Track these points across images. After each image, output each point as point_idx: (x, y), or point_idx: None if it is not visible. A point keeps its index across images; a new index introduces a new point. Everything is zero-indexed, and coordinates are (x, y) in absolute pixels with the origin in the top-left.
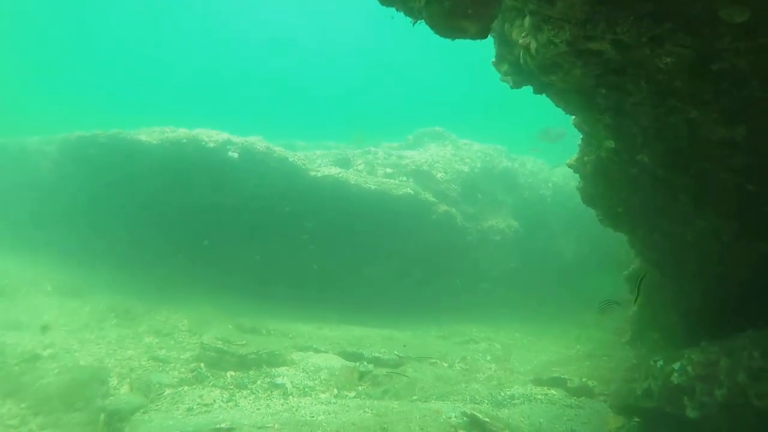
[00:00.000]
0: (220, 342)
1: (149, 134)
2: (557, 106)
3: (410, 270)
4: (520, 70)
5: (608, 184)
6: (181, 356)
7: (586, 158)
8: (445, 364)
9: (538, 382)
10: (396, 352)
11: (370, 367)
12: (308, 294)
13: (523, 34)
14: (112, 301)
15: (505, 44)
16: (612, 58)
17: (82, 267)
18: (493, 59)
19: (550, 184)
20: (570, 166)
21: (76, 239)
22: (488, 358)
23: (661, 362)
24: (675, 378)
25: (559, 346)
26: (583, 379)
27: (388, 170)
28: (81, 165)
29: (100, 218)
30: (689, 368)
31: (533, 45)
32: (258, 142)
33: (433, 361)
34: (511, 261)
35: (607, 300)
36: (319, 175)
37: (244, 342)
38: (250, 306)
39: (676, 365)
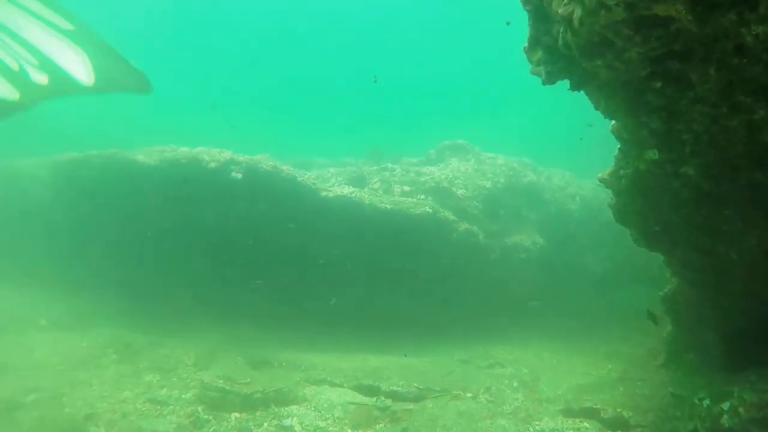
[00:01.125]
0: (222, 381)
1: (148, 154)
2: (596, 108)
3: (430, 291)
4: (557, 56)
5: (646, 201)
6: (183, 396)
7: (621, 171)
8: (469, 395)
9: (569, 413)
10: (415, 384)
11: (388, 402)
12: (322, 319)
13: (565, 1)
14: (113, 335)
15: (542, 19)
16: (682, 30)
17: (81, 298)
18: (525, 44)
19: (577, 199)
20: (602, 181)
21: (74, 269)
22: (515, 384)
23: (707, 401)
24: (725, 421)
25: (590, 365)
26: (618, 410)
27: (406, 188)
28: (75, 189)
29: (99, 246)
30: (741, 410)
31: (577, 13)
32: (264, 160)
33: (455, 393)
34: (537, 278)
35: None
36: (330, 195)
37: (248, 380)
38: (260, 334)
39: (725, 405)
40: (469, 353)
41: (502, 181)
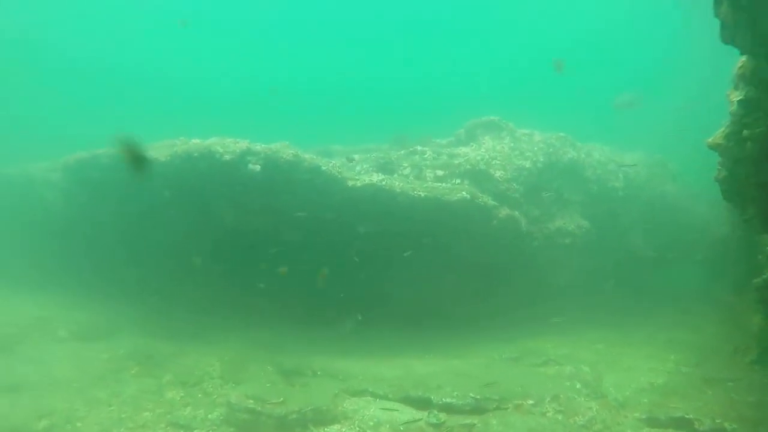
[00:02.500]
0: (252, 400)
1: (157, 149)
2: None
3: (469, 284)
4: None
5: None
6: (209, 416)
7: (746, 132)
8: (530, 402)
9: (655, 423)
10: (471, 394)
11: (443, 417)
12: (351, 318)
13: None
14: (134, 345)
15: None
16: None
17: (100, 305)
18: None
19: (620, 175)
20: (713, 146)
21: (91, 274)
22: (578, 386)
23: None
24: None
25: (652, 358)
26: (717, 420)
27: (439, 172)
28: (86, 191)
29: (116, 250)
30: None
31: None
32: (284, 149)
33: (517, 402)
34: (582, 264)
35: None
36: (358, 184)
37: (281, 398)
38: (290, 339)
39: None
40: (515, 349)
41: (542, 159)
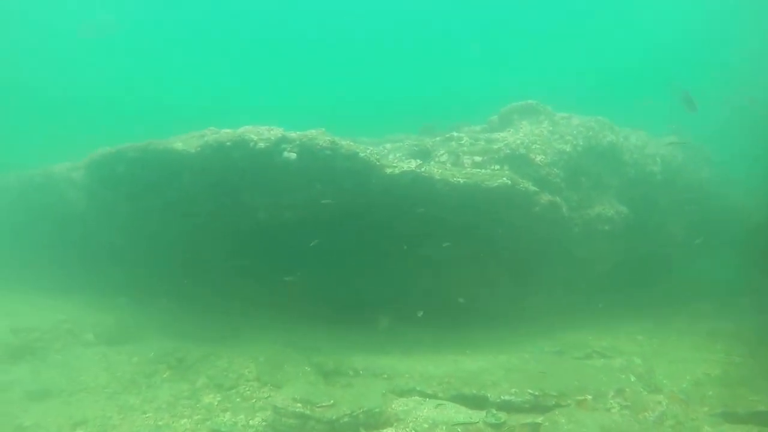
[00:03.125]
0: (299, 404)
1: (186, 141)
2: None
3: (505, 274)
4: None
5: None
6: (251, 422)
7: None
8: (589, 398)
9: (734, 418)
10: (529, 390)
11: (502, 416)
12: (388, 314)
13: None
14: (164, 348)
15: None
16: None
17: (130, 307)
18: None
19: (658, 159)
20: None
21: (119, 275)
22: (632, 379)
23: None
24: None
25: (698, 349)
26: None
27: (477, 158)
28: (112, 188)
29: (142, 249)
30: None
31: None
32: (320, 135)
33: (579, 398)
34: (620, 252)
35: None
36: (396, 171)
37: (331, 401)
38: (324, 336)
39: None
40: (556, 342)
41: (581, 143)
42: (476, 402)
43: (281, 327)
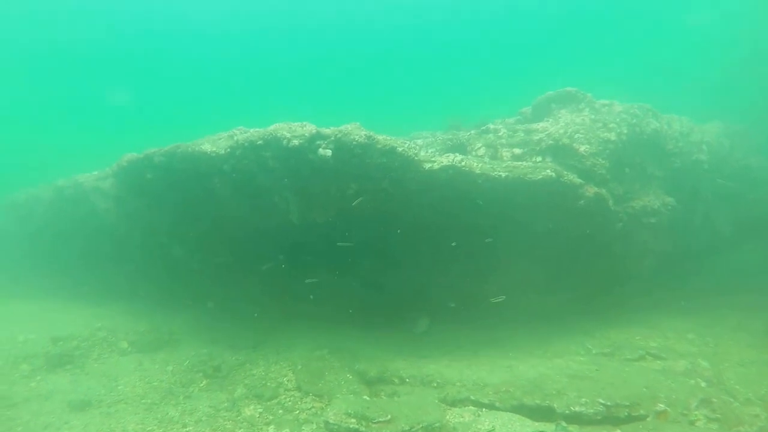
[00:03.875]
0: (353, 420)
1: (214, 142)
2: None
3: (546, 270)
4: None
5: None
6: None
7: None
8: (662, 406)
9: None
10: (600, 400)
11: (574, 430)
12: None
13: None
14: (198, 355)
15: None
16: None
17: (162, 313)
18: None
19: (704, 147)
20: None
21: (151, 283)
22: (702, 384)
23: None
24: None
25: (760, 348)
26: None
27: (516, 151)
28: (139, 196)
29: (174, 256)
30: None
31: None
32: (355, 130)
33: (658, 409)
34: (665, 245)
35: None
36: (435, 166)
37: (388, 416)
38: (361, 340)
39: None
40: (601, 342)
41: (626, 131)
42: (541, 413)
43: (315, 331)
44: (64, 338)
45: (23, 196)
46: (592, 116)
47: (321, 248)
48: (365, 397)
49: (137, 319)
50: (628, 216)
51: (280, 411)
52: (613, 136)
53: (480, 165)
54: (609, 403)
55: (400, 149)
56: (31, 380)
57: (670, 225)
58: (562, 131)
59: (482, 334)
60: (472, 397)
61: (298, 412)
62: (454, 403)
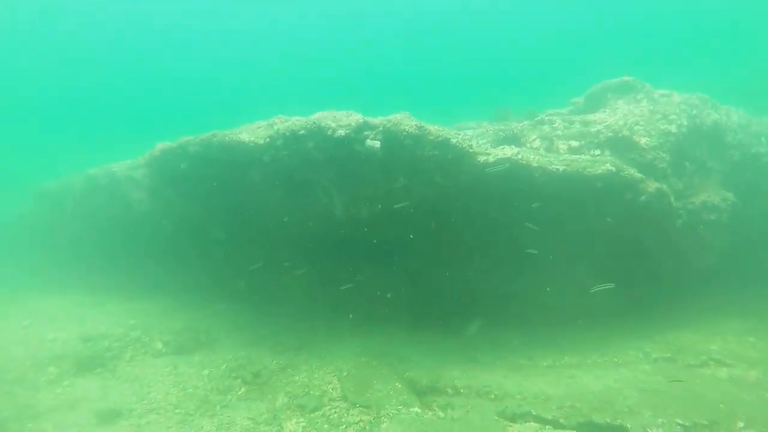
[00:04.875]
0: None
1: (253, 131)
2: None
3: (600, 269)
4: None
5: None
6: None
7: None
8: (741, 425)
9: None
10: (678, 420)
11: None
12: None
13: None
14: (236, 359)
15: None
16: None
17: (197, 310)
18: None
19: (763, 139)
20: None
21: (188, 279)
22: None
23: None
24: None
25: None
26: None
27: (573, 143)
28: (173, 187)
29: (211, 251)
30: None
31: None
32: (405, 120)
33: (739, 428)
34: (724, 243)
35: None
36: (490, 159)
37: None
38: (408, 347)
39: None
40: (660, 346)
41: (686, 123)
42: None
43: (360, 334)
44: (94, 337)
45: (54, 185)
46: (651, 107)
47: (365, 245)
48: (416, 409)
49: (172, 316)
50: (687, 212)
51: (326, 426)
52: (673, 129)
53: (537, 158)
54: (687, 424)
55: (454, 140)
56: (58, 386)
57: (730, 221)
58: (621, 123)
59: (535, 336)
60: (534, 412)
61: (344, 426)
62: (514, 418)
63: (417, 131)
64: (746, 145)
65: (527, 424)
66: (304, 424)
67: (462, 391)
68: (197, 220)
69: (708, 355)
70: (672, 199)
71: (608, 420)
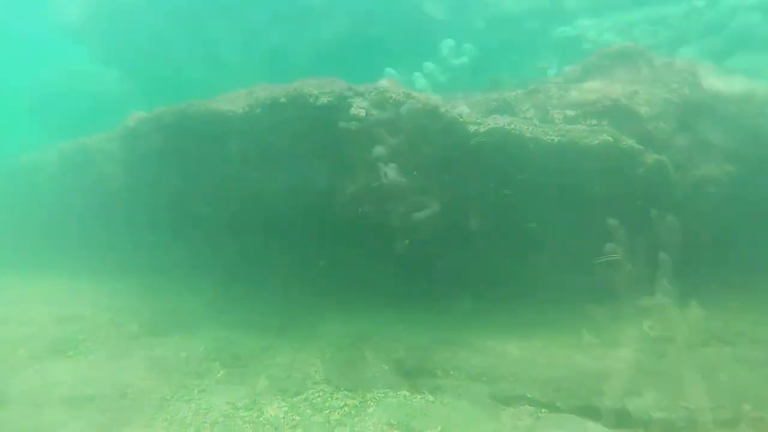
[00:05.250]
0: None
1: (232, 100)
2: None
3: (595, 248)
4: None
5: None
6: None
7: None
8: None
9: None
10: (683, 403)
11: None
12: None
13: None
14: (215, 340)
15: None
16: None
17: (177, 293)
18: None
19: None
20: None
21: (166, 259)
22: None
23: None
24: None
25: None
26: None
27: (569, 113)
28: (147, 160)
29: (189, 230)
30: None
31: None
32: (392, 87)
33: (746, 411)
34: (725, 216)
35: None
36: (482, 129)
37: (438, 428)
38: (396, 322)
39: None
40: (660, 325)
41: (687, 91)
42: (616, 418)
43: (345, 313)
44: (67, 319)
45: (24, 160)
46: (651, 75)
47: (351, 220)
48: (404, 392)
49: (149, 297)
50: (688, 185)
51: (308, 411)
52: (675, 98)
53: (531, 128)
54: (692, 407)
55: (442, 109)
56: (28, 369)
57: (731, 195)
58: (619, 92)
59: (530, 315)
60: (529, 395)
61: (328, 411)
62: (507, 401)
63: (404, 98)
64: (750, 115)
65: (522, 407)
66: (285, 409)
67: (452, 373)
68: (175, 196)
69: (710, 333)
70: (671, 171)
71: (608, 403)
